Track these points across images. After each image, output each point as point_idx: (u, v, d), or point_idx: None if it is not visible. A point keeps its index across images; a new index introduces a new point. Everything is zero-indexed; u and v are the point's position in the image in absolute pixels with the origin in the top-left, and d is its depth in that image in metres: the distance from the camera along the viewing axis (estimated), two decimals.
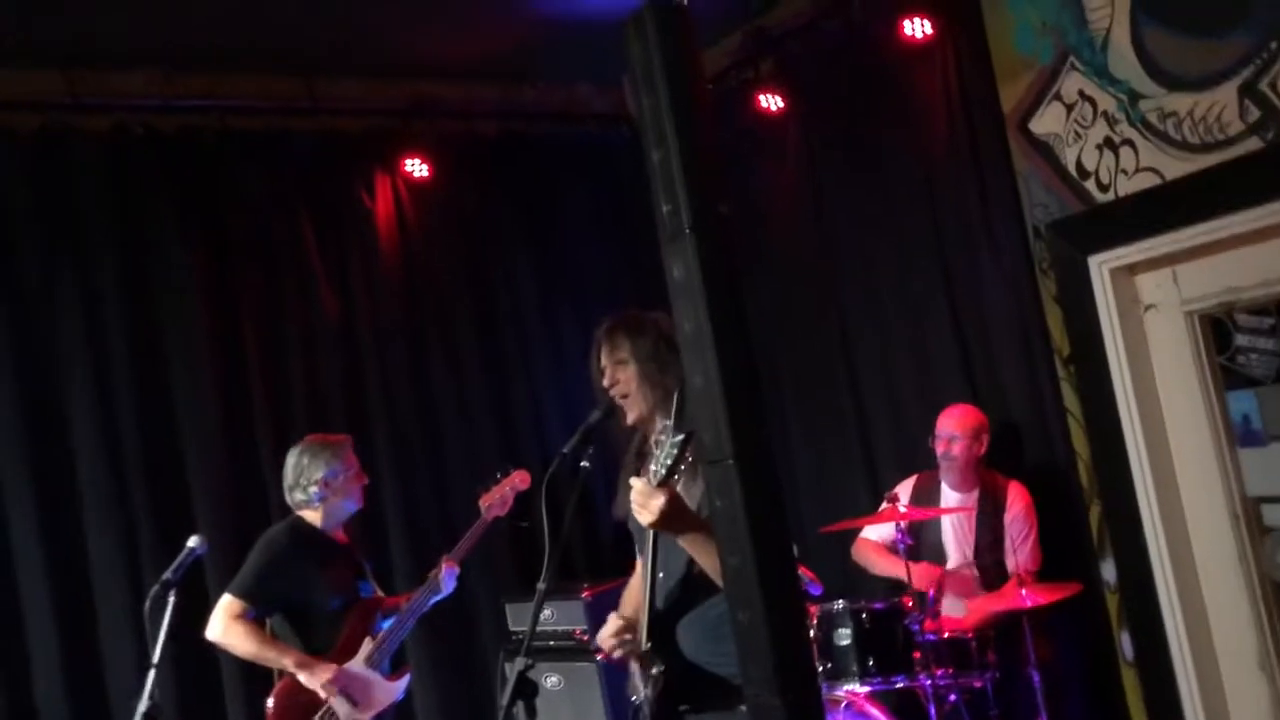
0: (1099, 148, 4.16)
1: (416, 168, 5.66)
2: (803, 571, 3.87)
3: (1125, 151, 4.08)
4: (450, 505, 5.48)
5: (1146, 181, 4.02)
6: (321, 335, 5.42)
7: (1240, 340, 4.09)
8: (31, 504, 4.69)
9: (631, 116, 6.17)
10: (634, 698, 2.90)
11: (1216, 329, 4.09)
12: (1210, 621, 4.07)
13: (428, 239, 5.76)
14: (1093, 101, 4.16)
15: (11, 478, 4.70)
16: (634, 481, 2.66)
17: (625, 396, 2.93)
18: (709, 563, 2.63)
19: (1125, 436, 4.15)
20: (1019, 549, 4.48)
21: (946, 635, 4.18)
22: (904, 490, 4.74)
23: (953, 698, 4.25)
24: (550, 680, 5.05)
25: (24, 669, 4.64)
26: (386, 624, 4.27)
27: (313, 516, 4.23)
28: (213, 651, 4.73)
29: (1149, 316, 4.17)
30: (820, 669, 4.20)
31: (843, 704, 4.24)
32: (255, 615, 4.07)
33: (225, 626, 4.03)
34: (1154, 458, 4.11)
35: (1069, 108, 4.25)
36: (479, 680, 5.48)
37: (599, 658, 4.70)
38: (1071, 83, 4.22)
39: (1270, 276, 3.80)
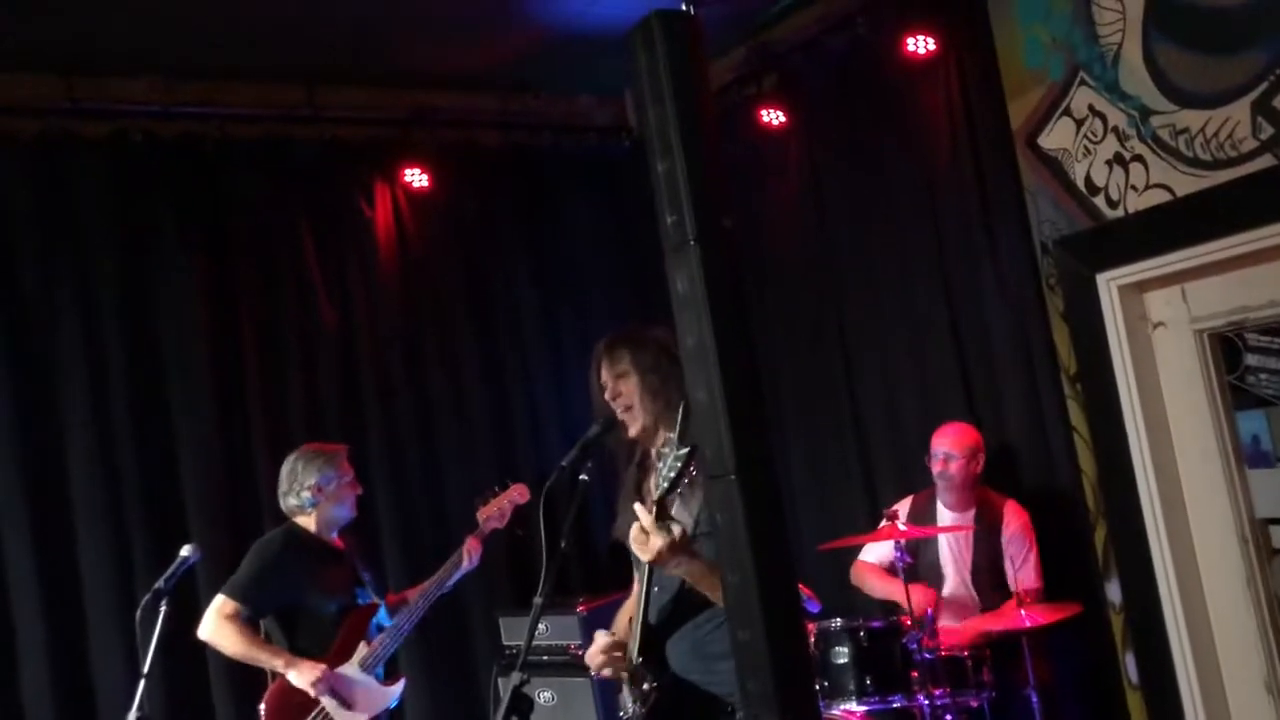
0: (1109, 163, 4.13)
1: (416, 177, 5.63)
2: (801, 589, 3.83)
3: (1135, 167, 4.04)
4: (448, 516, 5.44)
5: (1157, 198, 3.98)
6: (320, 344, 5.40)
7: (1250, 360, 4.05)
8: (24, 509, 4.66)
9: (632, 128, 6.16)
10: (623, 714, 2.90)
11: (1226, 348, 4.05)
12: (1217, 644, 4.02)
13: (427, 249, 5.74)
14: (1103, 117, 4.12)
15: (4, 483, 4.66)
16: (638, 510, 2.66)
17: (628, 409, 2.94)
18: (710, 594, 2.67)
19: (1132, 455, 4.10)
20: (1019, 568, 4.44)
21: (943, 653, 4.14)
22: (900, 510, 4.68)
23: (949, 718, 4.21)
24: (544, 695, 5.01)
25: (12, 676, 4.60)
26: (388, 623, 4.29)
27: (306, 522, 4.26)
28: (203, 662, 4.72)
29: (1158, 335, 4.13)
30: (817, 688, 4.16)
31: None
32: (249, 617, 4.09)
33: (216, 626, 4.05)
34: (1161, 477, 4.06)
35: (1079, 123, 4.21)
36: (471, 694, 5.42)
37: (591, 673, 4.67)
38: (1081, 98, 4.19)
39: None
